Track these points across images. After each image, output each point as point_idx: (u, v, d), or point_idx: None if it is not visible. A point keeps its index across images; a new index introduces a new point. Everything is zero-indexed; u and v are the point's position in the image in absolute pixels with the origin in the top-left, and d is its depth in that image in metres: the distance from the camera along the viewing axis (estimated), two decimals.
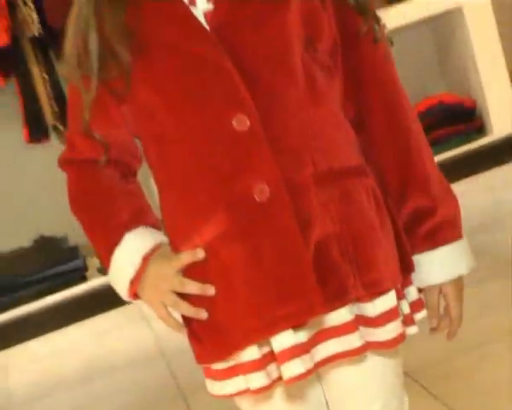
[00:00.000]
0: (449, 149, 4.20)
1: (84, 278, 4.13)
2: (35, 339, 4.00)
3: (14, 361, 3.93)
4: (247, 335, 1.35)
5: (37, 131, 4.11)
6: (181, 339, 1.47)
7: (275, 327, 1.33)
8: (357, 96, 1.46)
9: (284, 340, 1.33)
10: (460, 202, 1.41)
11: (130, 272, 1.43)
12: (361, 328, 1.38)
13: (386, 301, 1.37)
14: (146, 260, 1.40)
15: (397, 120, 1.46)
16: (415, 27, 4.32)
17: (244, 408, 1.47)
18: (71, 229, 3.73)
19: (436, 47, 4.52)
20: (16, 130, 4.14)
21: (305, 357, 1.34)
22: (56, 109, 4.06)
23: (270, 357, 1.36)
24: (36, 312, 4.02)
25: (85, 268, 4.14)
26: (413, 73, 4.18)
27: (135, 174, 1.53)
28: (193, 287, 1.37)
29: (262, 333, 1.35)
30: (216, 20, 1.37)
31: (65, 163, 1.49)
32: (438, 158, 3.74)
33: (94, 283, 4.08)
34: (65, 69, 1.43)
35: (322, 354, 1.38)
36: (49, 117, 4.06)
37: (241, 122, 1.35)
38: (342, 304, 1.34)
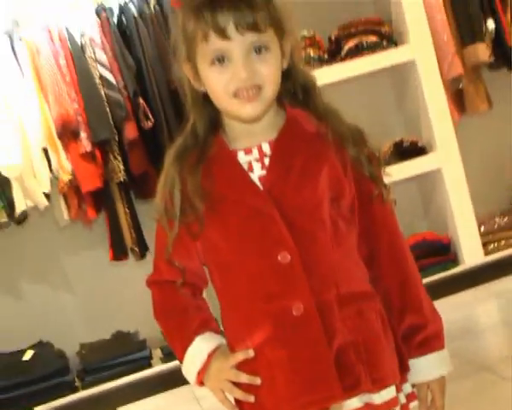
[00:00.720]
0: (431, 274, 4.34)
1: (149, 365, 4.28)
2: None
3: None
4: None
5: (119, 251, 4.35)
6: None
7: (306, 408, 1.56)
8: (369, 240, 1.66)
9: None
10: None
11: (198, 366, 1.64)
12: None
13: (389, 393, 1.58)
14: (210, 356, 1.63)
15: (398, 259, 1.66)
16: None
17: None
18: (142, 325, 4.37)
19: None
20: (104, 251, 4.38)
21: None
22: (134, 236, 4.34)
23: None
24: (112, 390, 4.19)
25: (151, 357, 4.30)
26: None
27: (202, 292, 1.74)
28: (244, 378, 1.58)
29: None
30: (268, 183, 1.58)
31: (151, 283, 1.72)
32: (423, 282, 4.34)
33: (157, 369, 4.23)
34: (156, 214, 1.65)
35: None
36: (129, 241, 4.34)
37: (284, 257, 1.56)
38: (356, 394, 1.56)
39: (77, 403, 4.13)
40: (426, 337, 1.63)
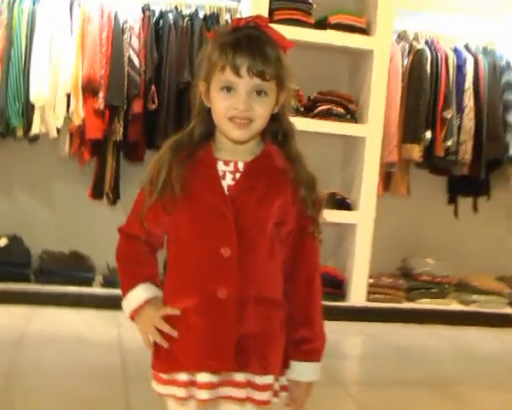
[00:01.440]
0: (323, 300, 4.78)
1: (90, 285, 4.60)
2: None
3: None
4: (188, 366, 1.69)
5: (97, 192, 4.71)
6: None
7: (204, 369, 1.68)
8: (293, 263, 1.75)
9: (204, 377, 1.68)
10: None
11: (134, 306, 1.77)
12: (249, 389, 1.70)
13: (268, 379, 1.71)
14: (146, 303, 1.76)
15: (309, 286, 1.77)
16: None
17: (170, 406, 1.76)
18: (95, 253, 4.77)
19: None
20: (86, 188, 4.71)
21: (212, 391, 1.68)
22: (112, 185, 4.67)
23: (193, 383, 1.69)
24: (56, 293, 4.44)
25: (93, 279, 4.63)
26: None
27: (157, 252, 1.83)
28: (166, 328, 1.70)
29: (196, 369, 1.68)
30: (233, 192, 1.69)
31: (122, 232, 1.82)
32: None
33: (95, 290, 4.57)
34: (142, 182, 1.74)
35: (223, 392, 1.70)
36: (107, 187, 4.70)
37: (225, 251, 1.67)
38: (243, 371, 1.69)
39: (26, 292, 4.46)
40: (310, 349, 1.77)
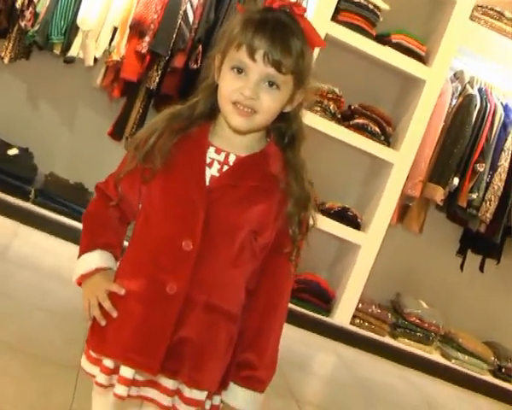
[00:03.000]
0: (306, 308, 4.50)
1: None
2: None
3: None
4: (113, 353, 1.57)
5: (117, 132, 4.51)
6: None
7: (127, 362, 1.55)
8: (260, 279, 1.61)
9: (126, 372, 1.56)
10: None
11: (85, 269, 1.63)
12: (177, 398, 1.58)
13: (198, 395, 1.58)
14: (97, 270, 1.62)
15: (270, 310, 1.63)
16: None
17: (93, 388, 1.65)
18: None
19: None
20: (108, 124, 4.52)
21: (132, 389, 1.57)
22: (134, 130, 4.42)
23: (116, 373, 1.57)
24: (48, 217, 4.29)
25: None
26: None
27: (128, 222, 1.71)
28: (107, 305, 1.57)
29: (119, 360, 1.56)
30: (213, 185, 1.56)
31: (97, 189, 1.71)
32: (298, 310, 4.51)
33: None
34: (129, 145, 1.74)
35: (147, 393, 1.59)
36: (128, 131, 4.48)
37: (187, 244, 1.54)
38: (170, 377, 1.56)
39: (20, 208, 4.27)
40: (251, 376, 1.61)
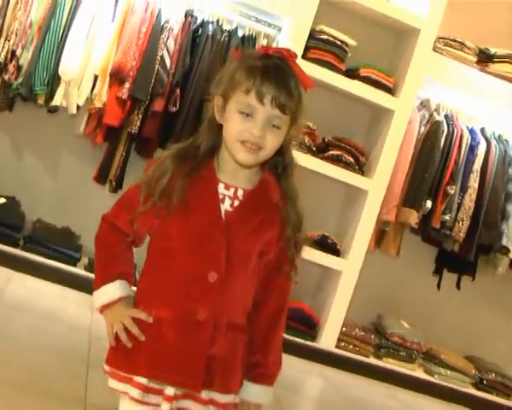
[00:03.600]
0: (293, 335, 4.61)
1: (75, 265, 4.49)
2: None
3: None
4: (155, 374, 1.70)
5: (102, 176, 4.64)
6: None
7: (172, 383, 1.70)
8: (263, 294, 1.79)
9: (171, 391, 1.70)
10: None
11: (106, 300, 1.78)
12: (211, 406, 1.73)
13: (229, 398, 1.77)
14: (119, 300, 1.77)
15: (274, 319, 1.81)
16: None
17: (122, 404, 1.77)
18: (87, 234, 4.68)
19: None
20: (92, 170, 4.64)
21: (173, 404, 1.71)
22: (118, 173, 4.59)
23: (151, 390, 1.70)
24: (40, 263, 4.38)
25: (79, 260, 4.52)
26: None
27: (133, 247, 1.83)
28: (135, 331, 1.72)
29: (165, 381, 1.70)
30: (229, 219, 1.71)
31: (105, 219, 1.82)
32: (285, 337, 4.73)
33: (78, 270, 4.45)
34: (139, 180, 1.74)
35: (186, 405, 1.73)
36: (112, 174, 4.63)
37: (212, 276, 1.69)
38: (207, 389, 1.72)
39: (12, 255, 4.38)
40: (263, 373, 1.82)
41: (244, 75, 1.67)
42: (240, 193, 1.74)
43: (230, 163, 1.75)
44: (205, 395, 1.73)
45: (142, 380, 1.71)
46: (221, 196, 1.72)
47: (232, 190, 1.74)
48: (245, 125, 1.67)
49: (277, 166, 1.79)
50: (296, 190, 1.80)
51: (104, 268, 1.81)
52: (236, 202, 1.74)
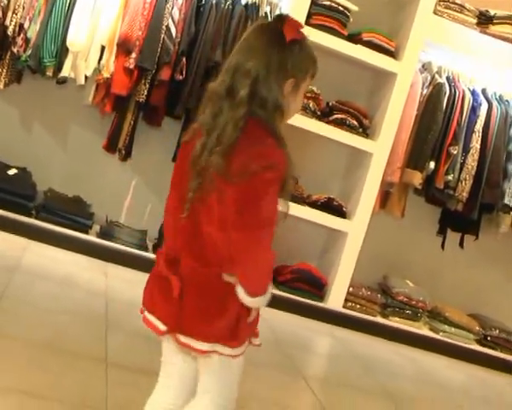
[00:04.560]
0: (302, 296, 4.77)
1: (87, 232, 4.59)
2: None
3: None
4: None
5: (111, 145, 4.76)
6: None
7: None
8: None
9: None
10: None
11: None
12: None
13: None
14: None
15: None
16: None
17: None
18: (97, 203, 4.89)
19: None
20: (101, 138, 4.77)
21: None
22: (126, 142, 4.71)
23: None
24: (52, 231, 4.48)
25: (90, 227, 4.64)
26: None
27: None
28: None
29: None
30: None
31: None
32: (293, 298, 4.82)
33: (90, 237, 4.57)
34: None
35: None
36: (121, 143, 4.74)
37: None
38: None
39: (25, 224, 4.49)
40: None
41: (311, 64, 1.89)
42: None
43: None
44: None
45: None
46: None
47: None
48: (301, 102, 1.96)
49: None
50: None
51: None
52: None
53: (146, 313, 1.88)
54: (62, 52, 4.56)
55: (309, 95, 4.81)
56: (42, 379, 2.72)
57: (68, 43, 4.53)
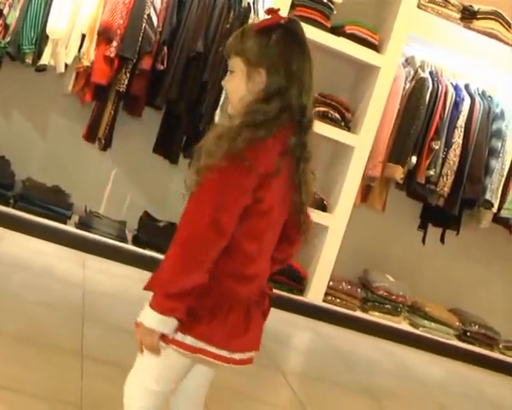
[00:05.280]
0: (281, 289, 4.71)
1: (65, 222, 4.55)
2: None
3: None
4: None
5: (91, 134, 4.70)
6: None
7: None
8: None
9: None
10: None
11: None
12: None
13: None
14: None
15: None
16: None
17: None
18: (77, 193, 4.79)
19: None
20: (81, 128, 4.70)
21: None
22: (106, 131, 4.64)
23: None
24: (29, 220, 4.43)
25: (69, 218, 4.59)
26: None
27: None
28: None
29: None
30: None
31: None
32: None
33: (68, 228, 4.53)
34: None
35: None
36: (101, 132, 4.67)
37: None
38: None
39: (2, 213, 4.43)
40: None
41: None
42: None
43: None
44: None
45: None
46: None
47: None
48: None
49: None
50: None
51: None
52: None
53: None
54: (42, 39, 4.49)
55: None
56: (15, 372, 2.67)
57: (48, 30, 4.46)
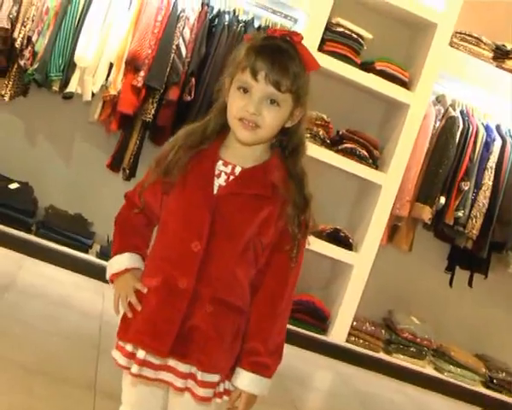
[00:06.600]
0: (303, 328, 4.65)
1: (86, 251, 4.53)
2: None
3: None
4: (129, 338, 1.77)
5: (115, 163, 4.70)
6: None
7: (139, 344, 1.75)
8: (263, 276, 1.76)
9: (140, 354, 1.75)
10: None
11: (116, 269, 1.85)
12: (190, 380, 1.73)
13: (210, 378, 1.75)
14: (127, 270, 1.84)
15: (272, 303, 1.76)
16: None
17: (124, 379, 1.86)
18: (99, 220, 4.78)
19: None
20: (106, 157, 4.70)
21: (150, 371, 1.75)
22: (131, 161, 4.63)
23: (133, 356, 1.76)
24: (51, 249, 4.41)
25: (90, 247, 4.57)
26: None
27: (153, 226, 1.88)
28: (133, 300, 1.78)
29: (133, 342, 1.76)
30: (220, 193, 1.74)
31: (126, 196, 1.89)
32: (295, 329, 4.63)
33: (89, 257, 4.48)
34: (154, 160, 1.78)
35: (163, 377, 1.75)
36: (126, 162, 4.67)
37: (195, 246, 1.72)
38: (181, 360, 1.73)
39: (24, 241, 4.42)
40: (257, 361, 1.76)
41: (243, 54, 1.73)
42: (237, 170, 1.77)
43: (234, 142, 1.79)
44: (183, 369, 1.74)
45: (128, 347, 1.77)
46: (217, 172, 1.75)
47: (230, 167, 1.77)
48: (242, 103, 1.72)
49: (285, 148, 1.81)
50: (304, 172, 1.81)
51: (119, 240, 1.88)
52: (232, 178, 1.77)
53: None
54: (70, 67, 4.48)
55: (319, 122, 4.73)
56: (25, 403, 2.59)
57: (76, 58, 4.45)
